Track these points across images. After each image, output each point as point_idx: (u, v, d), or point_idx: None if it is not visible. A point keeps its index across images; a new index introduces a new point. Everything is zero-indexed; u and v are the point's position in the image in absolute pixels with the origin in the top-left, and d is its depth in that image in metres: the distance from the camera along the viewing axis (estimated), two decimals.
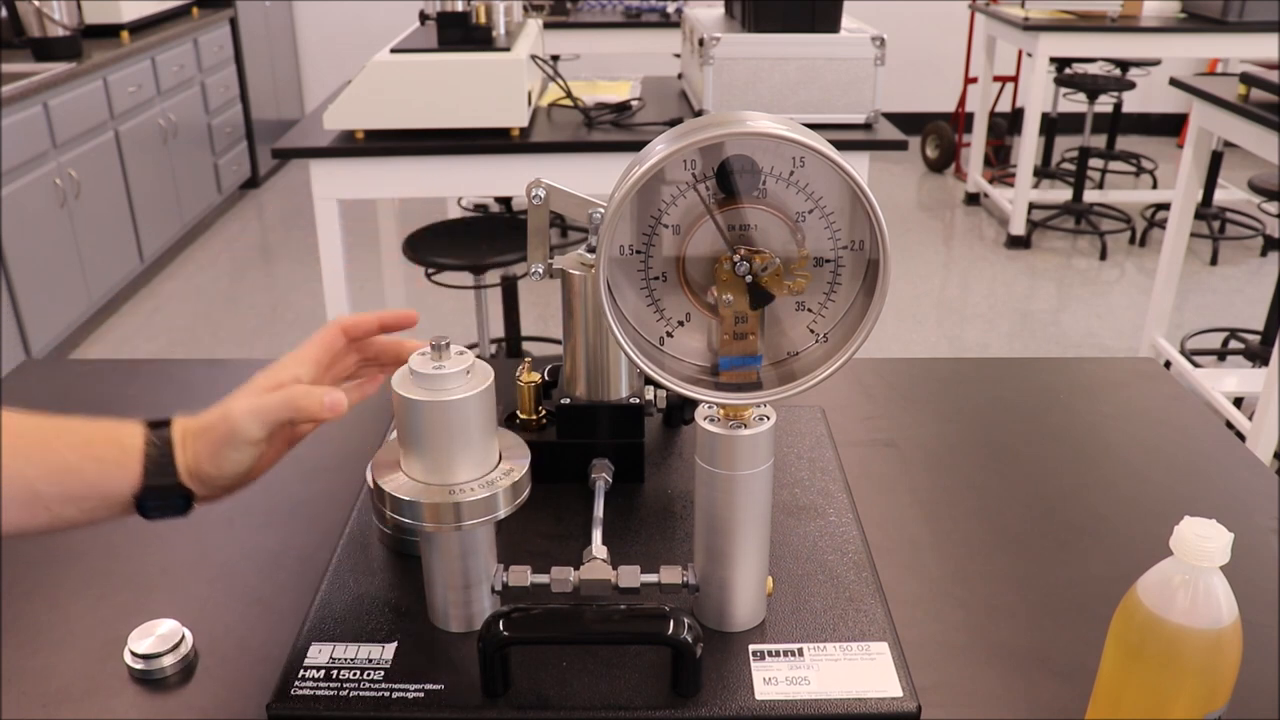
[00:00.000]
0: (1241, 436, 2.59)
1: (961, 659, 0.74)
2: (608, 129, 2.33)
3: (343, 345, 0.75)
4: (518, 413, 0.91)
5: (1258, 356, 3.23)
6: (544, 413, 0.91)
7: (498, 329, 3.08)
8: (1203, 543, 0.55)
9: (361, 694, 0.67)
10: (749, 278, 0.64)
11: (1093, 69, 4.93)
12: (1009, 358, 2.89)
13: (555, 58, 3.68)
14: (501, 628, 0.65)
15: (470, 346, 0.69)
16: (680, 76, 2.79)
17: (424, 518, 0.67)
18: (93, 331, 3.61)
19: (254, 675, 0.71)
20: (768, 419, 0.68)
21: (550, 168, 2.27)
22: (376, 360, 0.79)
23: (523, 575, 0.71)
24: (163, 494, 0.66)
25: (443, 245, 2.60)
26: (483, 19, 2.26)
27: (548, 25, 3.53)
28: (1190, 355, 3.21)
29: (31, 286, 3.12)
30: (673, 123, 2.28)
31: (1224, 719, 0.58)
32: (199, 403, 1.12)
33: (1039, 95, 4.14)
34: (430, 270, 2.64)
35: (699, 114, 1.60)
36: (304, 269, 4.14)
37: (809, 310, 0.67)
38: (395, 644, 0.71)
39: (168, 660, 0.71)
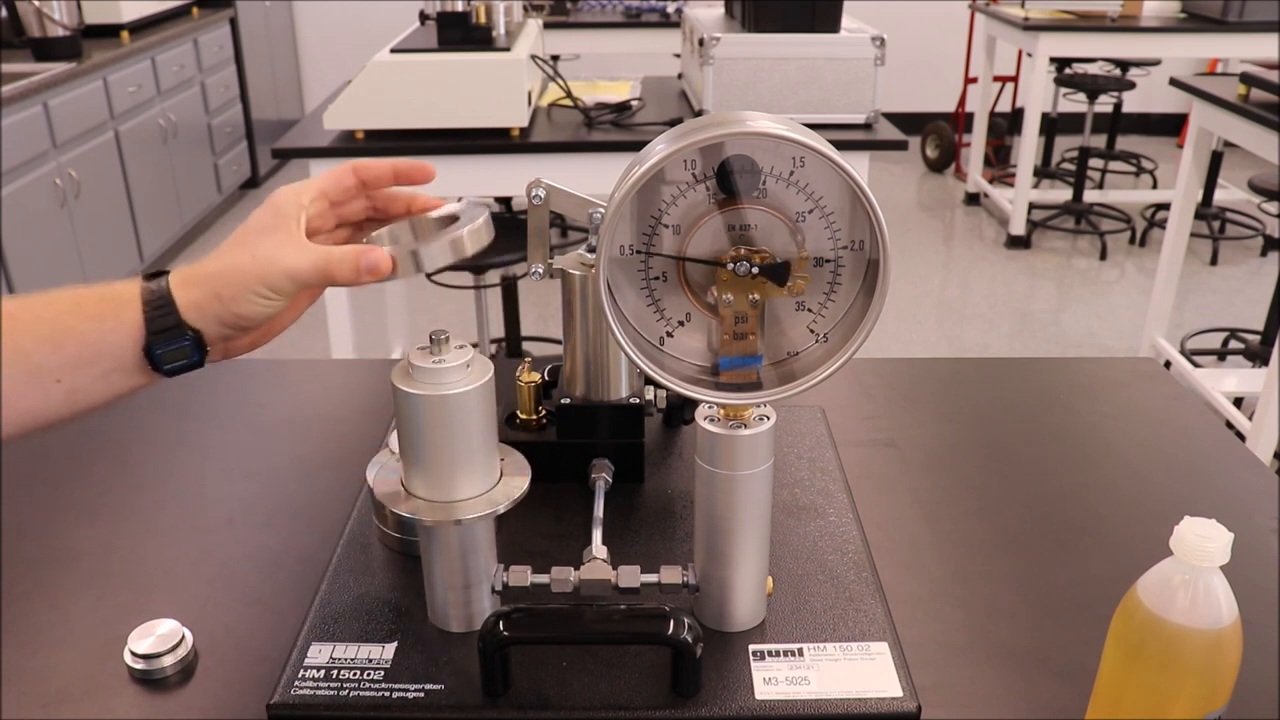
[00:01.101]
0: (1241, 436, 2.59)
1: (961, 659, 0.74)
2: (608, 129, 2.33)
3: (353, 185, 0.72)
4: (518, 413, 0.91)
5: (1258, 356, 3.23)
6: (544, 413, 0.91)
7: (498, 329, 3.08)
8: (1203, 543, 0.55)
9: (361, 694, 0.67)
10: (755, 270, 0.64)
11: (1093, 69, 4.93)
12: (1009, 358, 2.89)
13: (555, 58, 3.68)
14: (501, 628, 0.65)
15: (471, 346, 0.69)
16: (680, 76, 2.79)
17: (424, 512, 0.67)
18: None
19: (254, 675, 0.71)
20: (768, 419, 0.68)
21: (550, 168, 2.27)
22: (385, 211, 0.76)
23: (523, 575, 0.71)
24: (168, 339, 0.63)
25: None
26: (483, 19, 2.26)
27: (548, 25, 3.53)
28: (1190, 355, 3.21)
29: (31, 286, 3.12)
30: (673, 123, 2.28)
31: (1224, 719, 0.58)
32: (199, 402, 1.12)
33: (1039, 95, 4.14)
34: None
35: (699, 114, 1.60)
36: None
37: (809, 310, 0.67)
38: (395, 644, 0.71)
39: (167, 660, 0.71)
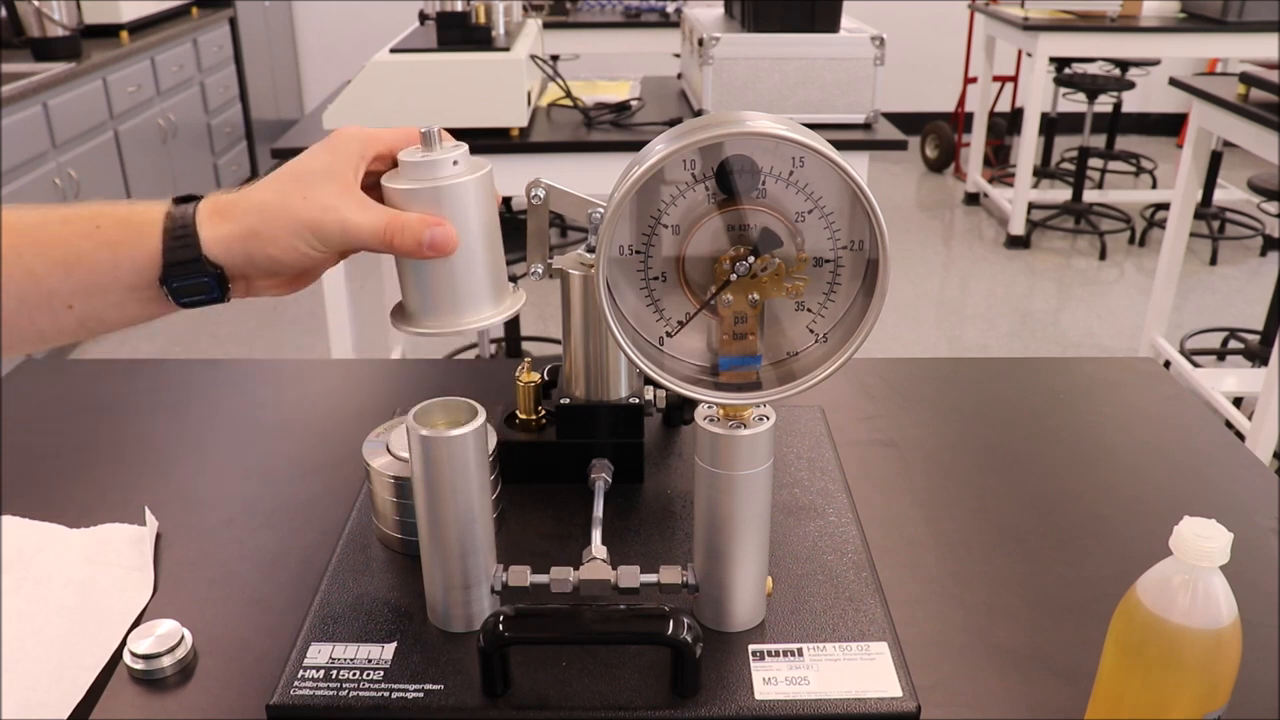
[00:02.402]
0: (1241, 436, 2.59)
1: (961, 659, 0.74)
2: (607, 129, 2.32)
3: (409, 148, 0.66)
4: (517, 413, 0.91)
5: (1257, 356, 3.23)
6: (544, 413, 0.91)
7: (497, 329, 3.08)
8: (1203, 543, 0.55)
9: (361, 694, 0.67)
10: (749, 268, 0.64)
11: (1092, 69, 4.93)
12: (1009, 358, 2.89)
13: (555, 57, 3.68)
14: (501, 628, 0.65)
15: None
16: (680, 76, 2.79)
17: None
18: None
19: (254, 675, 0.71)
20: (767, 419, 0.68)
21: (550, 168, 2.27)
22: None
23: (522, 575, 0.71)
24: (186, 272, 0.58)
25: None
26: (482, 19, 2.26)
27: (547, 25, 3.52)
28: (1190, 355, 3.21)
29: None
30: (672, 123, 2.28)
31: (1224, 719, 0.58)
32: (199, 402, 1.12)
33: (1038, 95, 4.14)
34: None
35: (698, 114, 1.60)
36: None
37: (809, 310, 0.67)
38: (395, 644, 0.71)
39: (167, 660, 0.71)
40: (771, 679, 0.68)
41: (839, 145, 0.61)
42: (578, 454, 0.88)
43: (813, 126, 0.62)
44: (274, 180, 0.61)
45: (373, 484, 0.81)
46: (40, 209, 0.59)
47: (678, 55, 2.93)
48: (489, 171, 0.64)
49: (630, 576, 0.70)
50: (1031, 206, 4.43)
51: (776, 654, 0.70)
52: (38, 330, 0.58)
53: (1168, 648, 0.56)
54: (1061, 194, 4.73)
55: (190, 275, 0.58)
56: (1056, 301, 3.93)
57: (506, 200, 4.25)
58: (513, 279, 0.70)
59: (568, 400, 0.89)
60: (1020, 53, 5.10)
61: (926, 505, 0.92)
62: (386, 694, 0.67)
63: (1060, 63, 4.83)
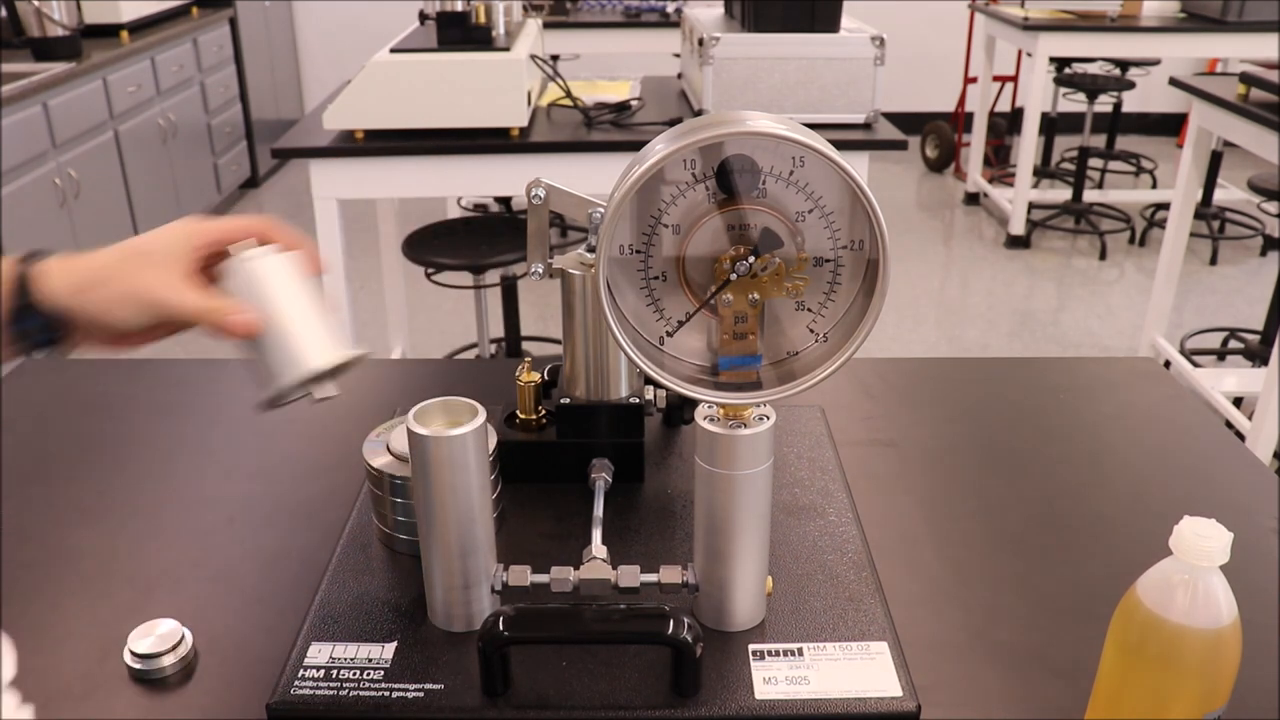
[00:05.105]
0: (1241, 436, 2.59)
1: (961, 659, 0.74)
2: (607, 129, 2.32)
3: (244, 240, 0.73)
4: (518, 412, 0.91)
5: (1257, 356, 3.23)
6: (544, 413, 0.91)
7: (498, 329, 3.08)
8: (1203, 542, 0.55)
9: (361, 694, 0.67)
10: (749, 267, 0.64)
11: (1092, 69, 4.93)
12: (1009, 358, 2.89)
13: (555, 57, 3.68)
14: (501, 627, 0.65)
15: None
16: (680, 76, 2.79)
17: None
18: None
19: (254, 675, 0.71)
20: (767, 419, 0.68)
21: (550, 167, 2.27)
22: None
23: (523, 575, 0.71)
24: (18, 317, 0.66)
25: (443, 245, 2.59)
26: (482, 19, 2.26)
27: (547, 25, 3.52)
28: (1190, 355, 3.21)
29: None
30: (672, 122, 2.28)
31: (1224, 719, 0.58)
32: (199, 403, 1.12)
33: (1039, 95, 4.14)
34: (430, 270, 2.64)
35: (699, 114, 1.60)
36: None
37: (809, 310, 0.67)
38: (395, 644, 0.71)
39: (167, 660, 0.71)
40: (771, 679, 0.68)
41: (839, 145, 0.61)
42: (578, 454, 0.88)
43: (813, 126, 0.62)
44: (116, 249, 0.69)
45: (373, 484, 0.81)
46: None
47: (678, 55, 2.92)
48: (292, 254, 0.71)
49: (630, 576, 0.70)
50: (1031, 206, 4.43)
51: (776, 654, 0.70)
52: None
53: (1168, 647, 0.56)
54: (1061, 194, 4.73)
55: (22, 320, 0.66)
56: (1056, 301, 3.93)
57: (507, 200, 4.25)
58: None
59: (568, 400, 0.89)
60: (1020, 53, 5.09)
61: (926, 505, 0.92)
62: (387, 694, 0.67)
63: (1060, 63, 4.82)
